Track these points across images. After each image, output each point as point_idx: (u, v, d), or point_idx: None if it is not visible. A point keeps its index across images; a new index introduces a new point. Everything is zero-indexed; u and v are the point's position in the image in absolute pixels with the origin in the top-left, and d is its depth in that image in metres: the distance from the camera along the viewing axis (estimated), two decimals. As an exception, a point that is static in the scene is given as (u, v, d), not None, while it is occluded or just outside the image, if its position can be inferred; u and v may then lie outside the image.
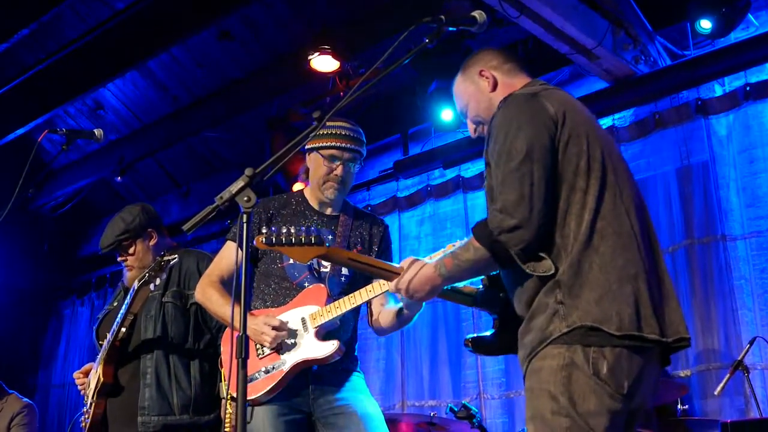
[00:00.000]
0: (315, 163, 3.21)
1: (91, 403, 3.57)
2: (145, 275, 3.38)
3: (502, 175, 2.22)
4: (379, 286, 2.89)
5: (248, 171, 2.22)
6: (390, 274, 2.58)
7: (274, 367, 2.97)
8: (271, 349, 2.99)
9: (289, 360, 2.96)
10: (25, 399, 5.47)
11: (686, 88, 5.41)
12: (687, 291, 5.15)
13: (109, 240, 3.74)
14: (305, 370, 2.99)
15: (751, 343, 4.34)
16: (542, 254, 2.20)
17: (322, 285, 3.06)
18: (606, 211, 2.23)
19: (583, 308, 2.14)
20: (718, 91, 5.38)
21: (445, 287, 2.48)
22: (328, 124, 3.22)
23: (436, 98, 5.77)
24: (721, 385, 4.23)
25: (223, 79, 7.15)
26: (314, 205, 3.27)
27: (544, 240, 2.21)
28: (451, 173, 6.53)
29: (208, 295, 3.16)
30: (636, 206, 2.32)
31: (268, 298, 3.14)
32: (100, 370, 3.54)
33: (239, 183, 2.21)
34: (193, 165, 8.39)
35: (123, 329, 3.53)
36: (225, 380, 3.08)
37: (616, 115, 5.74)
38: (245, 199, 2.20)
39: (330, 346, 2.95)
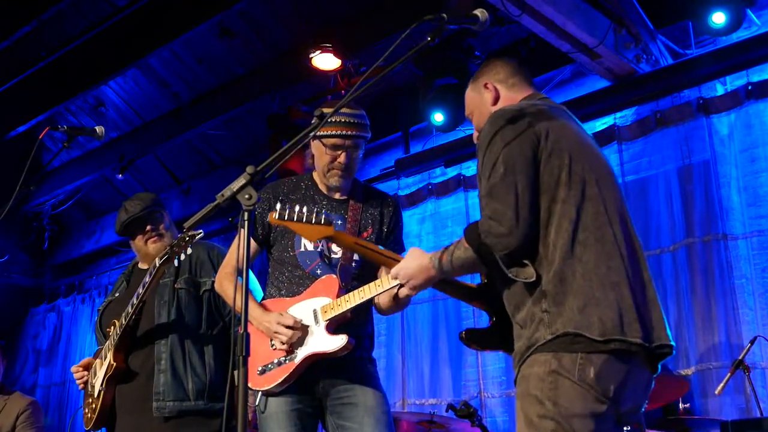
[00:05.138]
0: (318, 151, 3.19)
1: (99, 392, 3.55)
2: (167, 252, 3.30)
3: (489, 186, 2.32)
4: (387, 281, 2.89)
5: (249, 169, 2.22)
6: (391, 262, 2.73)
7: (286, 359, 2.98)
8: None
9: (300, 353, 2.97)
10: (29, 396, 5.47)
11: (688, 87, 5.41)
12: (688, 290, 5.15)
13: (138, 209, 3.68)
14: (317, 362, 2.99)
15: (752, 342, 4.34)
16: (525, 261, 2.30)
17: (334, 276, 3.05)
18: (587, 222, 2.31)
19: (566, 316, 2.23)
20: (720, 90, 5.37)
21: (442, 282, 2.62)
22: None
23: (437, 97, 5.76)
24: (722, 384, 4.23)
25: (224, 77, 7.15)
26: (323, 189, 3.25)
27: (528, 248, 2.30)
28: (452, 171, 6.53)
29: (225, 288, 3.24)
30: (620, 217, 2.40)
31: (282, 287, 3.15)
32: (110, 356, 3.52)
33: (240, 181, 2.20)
34: (194, 162, 8.39)
35: (134, 316, 3.51)
36: None
37: (618, 114, 5.73)
38: (246, 196, 2.19)
39: (339, 341, 2.94)
